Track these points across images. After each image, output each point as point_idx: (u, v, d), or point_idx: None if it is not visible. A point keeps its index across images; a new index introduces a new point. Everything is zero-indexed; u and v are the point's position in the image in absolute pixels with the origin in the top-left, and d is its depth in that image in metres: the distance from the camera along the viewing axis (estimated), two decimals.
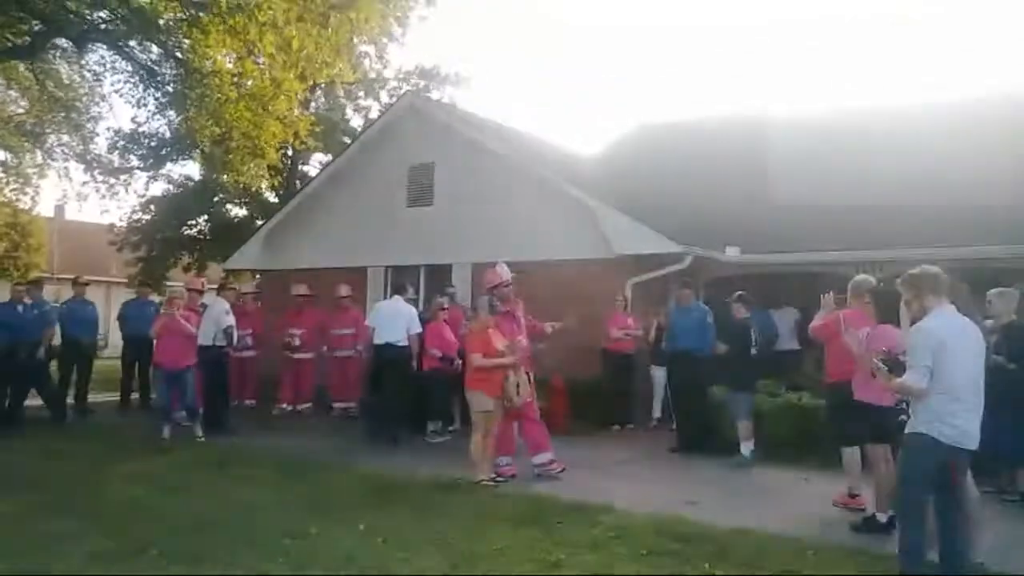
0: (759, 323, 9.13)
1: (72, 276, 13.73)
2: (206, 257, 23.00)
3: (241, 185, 16.05)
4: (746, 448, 8.41)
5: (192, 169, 25.57)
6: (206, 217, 23.52)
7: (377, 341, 9.40)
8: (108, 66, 16.27)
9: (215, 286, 15.42)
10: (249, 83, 13.73)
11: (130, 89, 16.34)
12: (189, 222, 23.24)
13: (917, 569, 4.24)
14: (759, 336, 8.82)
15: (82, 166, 21.13)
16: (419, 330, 9.54)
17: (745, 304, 8.75)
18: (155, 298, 12.96)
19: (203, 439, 8.93)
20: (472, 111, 15.81)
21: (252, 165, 14.69)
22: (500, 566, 4.70)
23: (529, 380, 7.38)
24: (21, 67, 17.12)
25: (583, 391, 10.86)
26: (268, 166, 15.02)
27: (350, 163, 14.44)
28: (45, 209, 32.98)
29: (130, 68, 15.72)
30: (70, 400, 11.02)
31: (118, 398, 11.69)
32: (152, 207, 22.74)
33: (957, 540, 4.35)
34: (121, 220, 22.30)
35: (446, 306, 10.00)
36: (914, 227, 11.05)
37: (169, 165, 22.56)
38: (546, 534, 5.33)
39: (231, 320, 9.75)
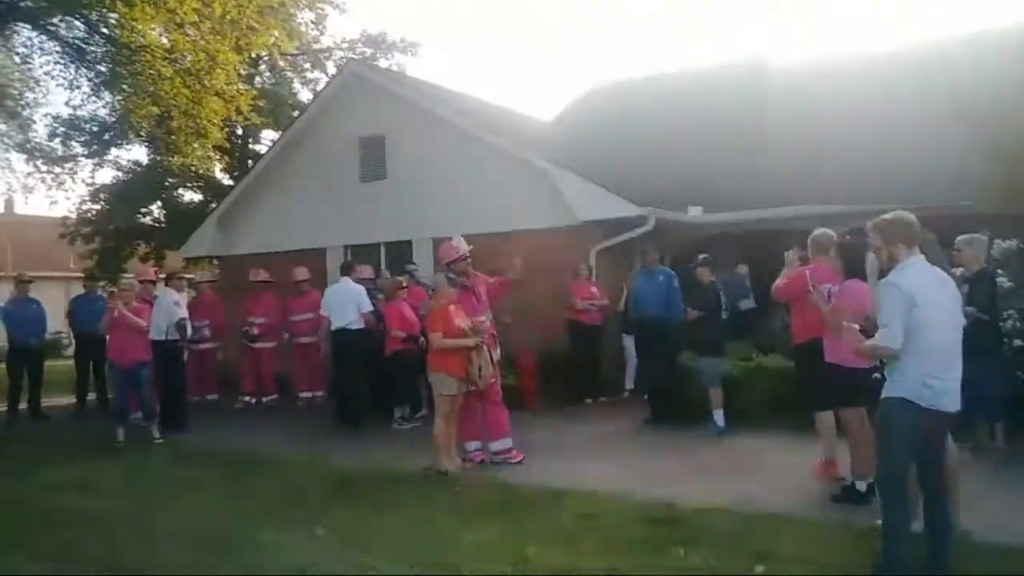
0: (728, 286, 8.90)
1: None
2: (163, 246, 22.25)
3: (190, 168, 15.40)
4: (718, 416, 8.21)
5: (139, 153, 24.74)
6: (160, 203, 22.79)
7: (333, 328, 9.17)
8: (35, 47, 15.45)
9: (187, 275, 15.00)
10: (185, 58, 13.07)
11: (60, 70, 15.69)
12: (142, 209, 22.48)
13: (901, 545, 4.02)
14: (727, 300, 8.59)
15: (23, 156, 20.41)
16: (370, 308, 9.34)
17: (710, 267, 8.51)
18: (106, 292, 12.40)
19: (160, 440, 8.52)
20: (422, 79, 15.31)
21: (196, 145, 14.08)
22: (467, 563, 4.43)
23: (492, 360, 7.06)
24: None
25: (553, 365, 10.61)
26: (214, 146, 14.40)
27: (298, 139, 13.89)
28: None
29: (58, 48, 14.99)
30: (23, 406, 10.54)
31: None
32: (102, 196, 21.95)
33: (942, 507, 4.14)
34: (70, 211, 21.47)
35: (405, 284, 9.64)
36: (879, 180, 10.89)
37: (114, 151, 21.77)
38: (515, 525, 5.07)
39: (182, 312, 9.32)
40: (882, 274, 4.35)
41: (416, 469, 6.71)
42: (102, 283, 11.50)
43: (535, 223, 11.35)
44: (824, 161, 11.96)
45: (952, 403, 4.05)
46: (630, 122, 15.23)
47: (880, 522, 4.17)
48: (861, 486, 5.42)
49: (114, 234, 21.97)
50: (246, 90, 13.69)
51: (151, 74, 13.41)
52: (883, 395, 4.15)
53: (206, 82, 13.11)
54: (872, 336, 4.12)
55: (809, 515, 5.09)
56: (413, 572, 4.33)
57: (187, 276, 12.00)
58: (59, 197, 31.99)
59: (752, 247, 12.51)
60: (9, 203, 32.38)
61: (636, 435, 8.28)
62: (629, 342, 10.37)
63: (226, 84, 13.41)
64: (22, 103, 18.50)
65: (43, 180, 20.55)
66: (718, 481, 6.18)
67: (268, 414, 10.70)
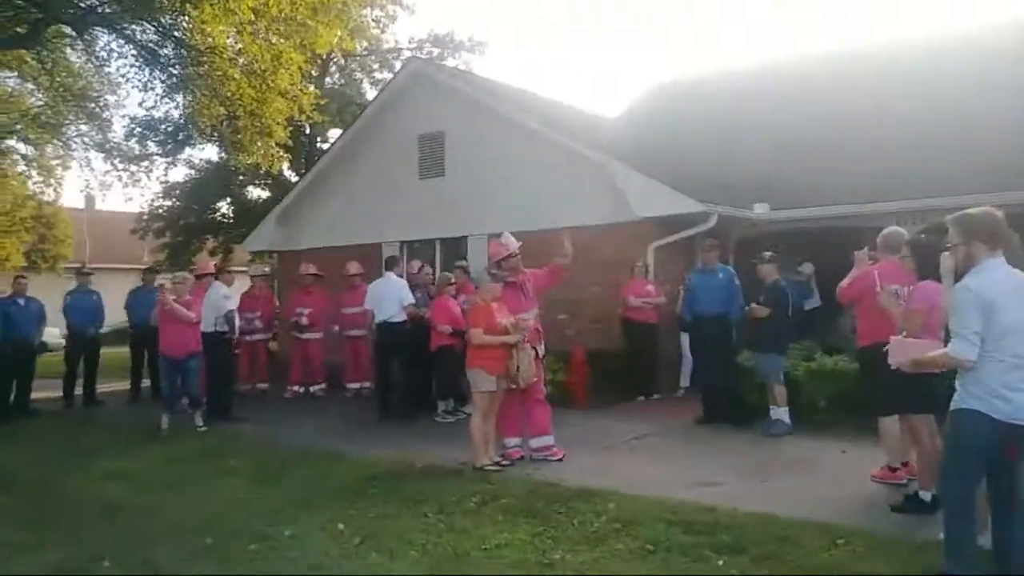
0: (789, 285, 8.44)
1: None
2: (231, 240, 22.80)
3: (256, 166, 15.62)
4: (783, 413, 7.79)
5: (211, 152, 25.42)
6: (229, 200, 23.38)
7: (376, 321, 9.23)
8: (113, 51, 15.93)
9: (243, 269, 15.21)
10: (250, 59, 13.23)
11: (136, 73, 16.12)
12: (212, 206, 23.11)
13: (965, 563, 3.61)
14: (794, 297, 8.15)
15: (102, 155, 21.16)
16: (411, 300, 9.33)
17: (776, 264, 8.08)
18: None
19: (204, 429, 8.54)
20: (483, 75, 15.18)
21: (260, 144, 14.23)
22: (486, 568, 4.18)
23: (537, 355, 6.80)
24: (29, 58, 16.94)
25: (606, 363, 10.31)
26: (278, 144, 14.54)
27: (358, 137, 13.93)
28: (75, 201, 33.38)
29: (133, 52, 15.36)
30: (78, 392, 10.81)
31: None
32: (174, 193, 22.64)
33: (1013, 528, 3.70)
34: (142, 207, 22.20)
35: (453, 280, 9.47)
36: (954, 172, 10.22)
37: (188, 150, 22.45)
38: (544, 527, 4.80)
39: (230, 305, 9.35)
40: (959, 276, 3.94)
41: (453, 464, 6.50)
42: (160, 276, 11.65)
43: (592, 219, 11.04)
44: (898, 158, 11.31)
45: None
46: (695, 119, 14.77)
47: (943, 536, 3.77)
48: (926, 496, 4.96)
49: (184, 229, 22.63)
50: (309, 90, 13.76)
51: (218, 75, 13.59)
52: (953, 406, 3.76)
53: (270, 82, 13.20)
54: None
55: (866, 525, 4.67)
56: (426, 574, 4.11)
57: (237, 269, 12.10)
58: (134, 194, 32.97)
59: (820, 246, 11.95)
60: (90, 200, 33.70)
61: (686, 435, 7.89)
62: (685, 340, 9.99)
63: (290, 84, 13.51)
64: (101, 104, 19.15)
65: (119, 178, 21.23)
66: (769, 485, 5.80)
67: (315, 404, 10.69)
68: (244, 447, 7.46)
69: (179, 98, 16.00)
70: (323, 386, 11.32)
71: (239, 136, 14.90)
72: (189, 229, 22.78)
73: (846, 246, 9.90)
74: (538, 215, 11.36)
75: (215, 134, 16.04)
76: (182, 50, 14.12)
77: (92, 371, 10.94)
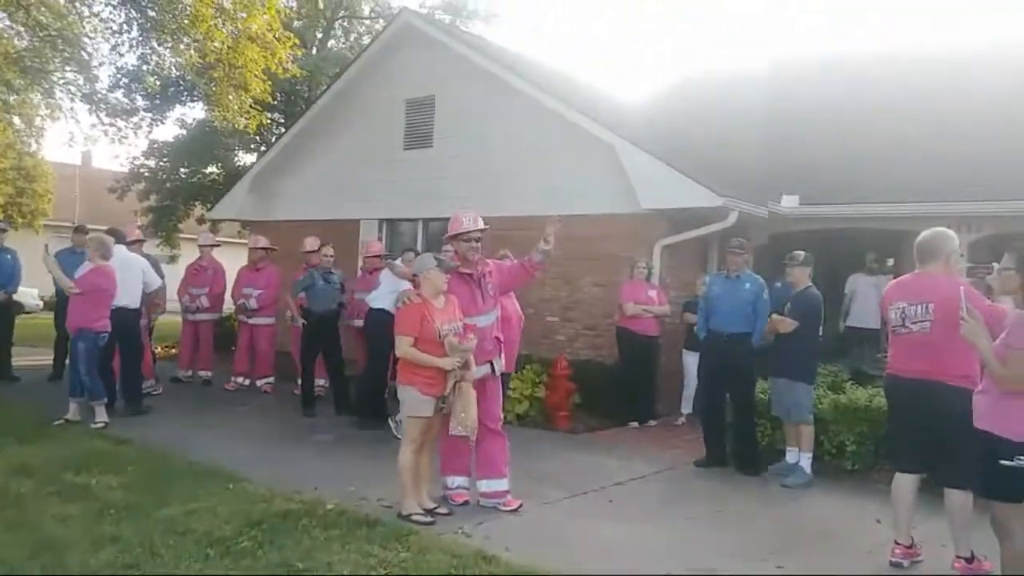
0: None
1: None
2: None
3: (233, 124, 14.14)
4: (805, 460, 6.28)
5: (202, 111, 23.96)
6: (219, 164, 21.91)
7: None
8: None
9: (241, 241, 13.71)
10: None
11: (111, 13, 14.66)
12: (200, 170, 21.64)
13: None
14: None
15: (87, 107, 19.80)
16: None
17: (809, 267, 6.51)
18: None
19: (100, 425, 7.04)
20: (481, 36, 13.59)
21: (233, 98, 12.74)
22: None
23: (493, 371, 5.26)
24: None
25: (597, 377, 8.80)
26: (256, 101, 13.06)
27: (340, 99, 12.39)
28: (72, 157, 32.10)
29: None
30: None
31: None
32: (161, 152, 21.18)
33: None
34: (122, 165, 20.82)
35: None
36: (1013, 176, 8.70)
37: (179, 108, 21.00)
38: None
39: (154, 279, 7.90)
40: None
41: (375, 508, 5.00)
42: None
43: (595, 207, 9.53)
44: (947, 153, 9.76)
45: None
46: (723, 112, 13.17)
47: None
48: None
49: (170, 192, 21.19)
50: (286, 36, 12.25)
51: (190, 14, 12.17)
52: None
53: (240, 25, 11.73)
54: None
55: None
56: None
57: (203, 242, 10.58)
58: (121, 152, 31.73)
59: (857, 251, 10.43)
60: (86, 157, 32.47)
61: (682, 483, 6.34)
62: (691, 359, 8.44)
63: (266, 29, 12.01)
64: (87, 51, 17.76)
65: (105, 132, 19.93)
66: (784, 565, 4.25)
67: (255, 400, 9.17)
68: (126, 455, 5.97)
69: (154, 43, 14.52)
70: (271, 380, 9.78)
71: (215, 89, 13.46)
72: (175, 192, 21.34)
73: (885, 249, 8.48)
74: (532, 198, 9.88)
75: (191, 85, 14.60)
76: None
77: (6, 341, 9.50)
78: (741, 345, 6.69)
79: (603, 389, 8.71)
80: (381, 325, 6.99)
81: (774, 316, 6.43)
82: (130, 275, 7.63)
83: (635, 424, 8.41)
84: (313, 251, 8.90)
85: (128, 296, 7.58)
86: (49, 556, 3.93)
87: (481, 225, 5.27)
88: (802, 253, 6.52)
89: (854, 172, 10.05)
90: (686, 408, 8.80)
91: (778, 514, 5.49)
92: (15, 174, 21.88)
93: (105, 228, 8.27)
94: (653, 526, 5.09)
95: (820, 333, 6.63)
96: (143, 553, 4.00)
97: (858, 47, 15.17)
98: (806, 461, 6.27)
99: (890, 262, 8.43)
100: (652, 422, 8.45)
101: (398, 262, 7.93)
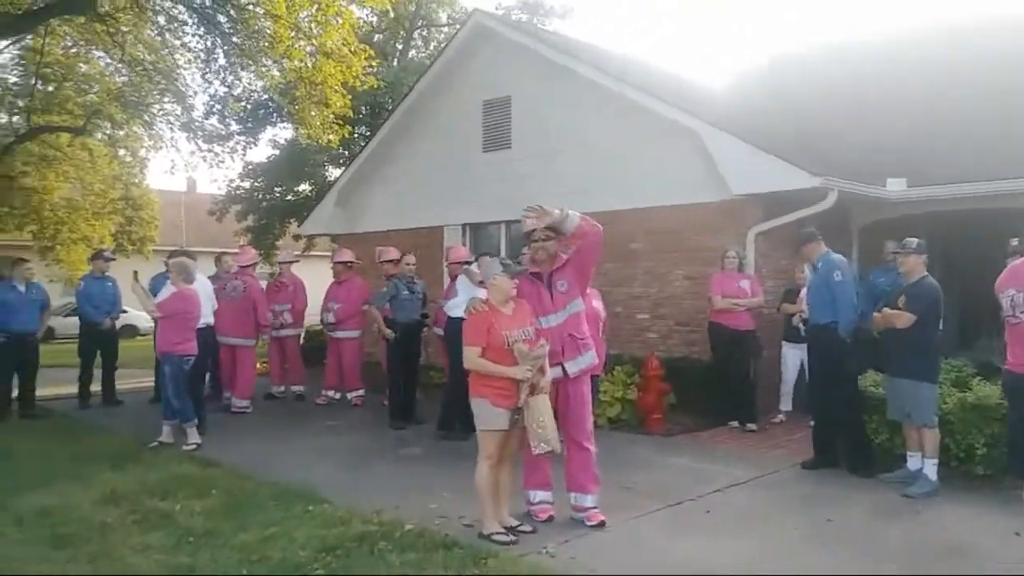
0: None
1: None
2: None
3: (316, 141, 14.35)
4: (930, 467, 5.66)
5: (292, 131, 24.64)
6: (311, 181, 22.43)
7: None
8: (173, 19, 15.05)
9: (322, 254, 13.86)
10: (299, 17, 11.89)
11: (197, 42, 15.17)
12: (294, 188, 22.23)
13: None
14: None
15: (185, 135, 20.66)
16: None
17: (924, 255, 5.90)
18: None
19: (193, 447, 7.10)
20: (554, 31, 13.25)
21: (315, 114, 12.88)
22: None
23: (565, 374, 4.92)
24: (98, 28, 16.36)
25: (692, 376, 8.36)
26: (336, 116, 13.17)
27: (417, 106, 12.34)
28: (177, 185, 33.64)
29: (192, 19, 14.44)
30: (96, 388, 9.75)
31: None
32: (256, 173, 21.86)
33: None
34: (219, 189, 21.58)
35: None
36: None
37: (270, 129, 21.68)
38: None
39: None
40: None
41: (456, 527, 4.78)
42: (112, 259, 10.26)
43: (681, 197, 9.09)
44: None
45: None
46: (812, 93, 12.42)
47: None
48: None
49: (267, 211, 21.83)
50: (360, 48, 12.29)
51: (269, 36, 12.41)
52: None
53: (315, 42, 11.84)
54: None
55: None
56: None
57: (282, 259, 10.74)
58: (218, 176, 33.12)
59: (973, 232, 9.53)
60: (191, 183, 34.00)
61: (788, 489, 5.84)
62: (790, 352, 7.89)
63: (342, 43, 12.08)
64: (180, 82, 18.51)
65: (204, 158, 20.84)
66: None
67: (343, 415, 9.10)
68: (212, 478, 5.95)
69: (239, 69, 14.94)
70: (361, 392, 9.74)
71: (297, 107, 13.68)
72: (271, 211, 21.99)
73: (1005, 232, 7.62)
74: (616, 192, 9.53)
75: (277, 105, 14.95)
76: (231, 10, 13.02)
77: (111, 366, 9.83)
78: (828, 336, 6.22)
79: (699, 388, 8.26)
80: (459, 334, 6.79)
81: (886, 310, 5.84)
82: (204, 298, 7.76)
83: (735, 424, 7.91)
84: (390, 260, 8.78)
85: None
86: None
87: (551, 219, 4.95)
88: (915, 240, 5.91)
89: (957, 151, 9.21)
90: (785, 405, 8.26)
91: (899, 525, 4.94)
92: (124, 204, 22.98)
93: (209, 249, 8.50)
94: (756, 541, 4.65)
95: (940, 327, 6.01)
96: None
97: (956, 14, 13.93)
98: (931, 468, 5.65)
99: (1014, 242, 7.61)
100: (751, 425, 7.88)
101: (474, 267, 7.70)
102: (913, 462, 5.84)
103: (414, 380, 8.54)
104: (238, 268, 9.44)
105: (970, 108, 10.10)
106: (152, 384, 9.95)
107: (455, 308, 7.51)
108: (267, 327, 9.51)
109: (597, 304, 6.29)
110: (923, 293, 5.70)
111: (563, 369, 4.87)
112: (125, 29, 16.11)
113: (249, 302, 9.20)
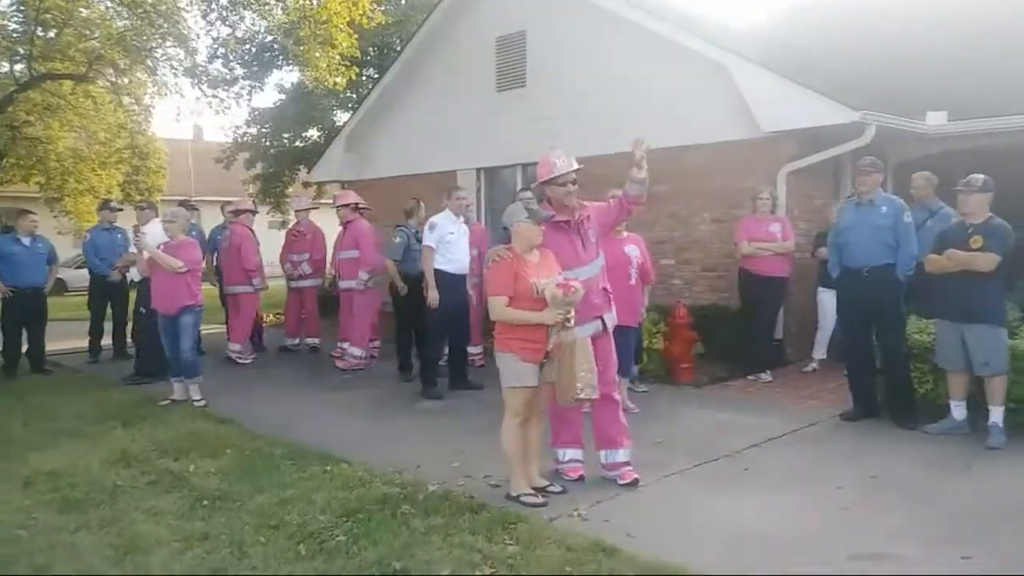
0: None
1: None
2: None
3: (323, 83, 13.86)
4: (997, 415, 5.35)
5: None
6: (319, 127, 21.91)
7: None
8: None
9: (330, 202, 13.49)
10: None
11: None
12: (302, 134, 21.72)
13: None
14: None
15: (190, 80, 20.13)
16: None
17: (990, 194, 5.50)
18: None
19: (202, 403, 6.90)
20: None
21: (320, 55, 12.41)
22: None
23: (605, 328, 4.63)
24: None
25: (721, 324, 8.04)
26: (343, 56, 12.68)
27: (427, 44, 11.85)
28: (184, 133, 33.12)
29: None
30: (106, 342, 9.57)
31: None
32: (262, 120, 21.34)
33: None
34: (226, 136, 21.10)
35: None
36: None
37: (276, 73, 21.05)
38: None
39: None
40: None
41: (482, 486, 4.54)
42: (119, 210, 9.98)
43: (703, 136, 8.64)
44: None
45: None
46: (847, 27, 11.76)
47: None
48: None
49: (274, 158, 21.39)
50: None
51: None
52: None
53: None
54: None
55: None
56: None
57: (299, 206, 10.39)
58: (224, 122, 32.56)
59: (1018, 168, 9.05)
60: (197, 131, 33.45)
61: (828, 443, 5.56)
62: (827, 298, 7.54)
63: None
64: (182, 25, 17.93)
65: (209, 104, 20.28)
66: (972, 553, 3.50)
67: (365, 372, 8.86)
68: (226, 436, 5.72)
69: (241, 8, 14.39)
70: (376, 344, 9.43)
71: (303, 48, 13.18)
72: (279, 158, 21.53)
73: None
74: (639, 132, 8.95)
75: (281, 47, 14.42)
76: None
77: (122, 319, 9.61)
78: (884, 279, 5.82)
79: (728, 336, 7.95)
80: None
81: (957, 252, 5.40)
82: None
83: (767, 374, 7.61)
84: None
85: None
86: (134, 559, 3.65)
87: (575, 165, 4.60)
88: (980, 177, 5.48)
89: (1000, 85, 8.66)
90: (819, 353, 7.93)
91: (956, 484, 4.64)
92: (130, 153, 22.56)
93: (216, 199, 8.20)
94: (798, 499, 4.38)
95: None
96: (231, 554, 3.66)
97: None
98: (999, 416, 5.34)
99: None
100: (765, 376, 7.56)
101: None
102: (958, 411, 5.54)
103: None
104: (232, 217, 9.31)
105: (1013, 41, 9.51)
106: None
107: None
108: (254, 272, 9.16)
109: (631, 250, 5.98)
110: (1002, 233, 5.32)
111: (602, 322, 4.56)
112: None
113: (235, 249, 8.99)
